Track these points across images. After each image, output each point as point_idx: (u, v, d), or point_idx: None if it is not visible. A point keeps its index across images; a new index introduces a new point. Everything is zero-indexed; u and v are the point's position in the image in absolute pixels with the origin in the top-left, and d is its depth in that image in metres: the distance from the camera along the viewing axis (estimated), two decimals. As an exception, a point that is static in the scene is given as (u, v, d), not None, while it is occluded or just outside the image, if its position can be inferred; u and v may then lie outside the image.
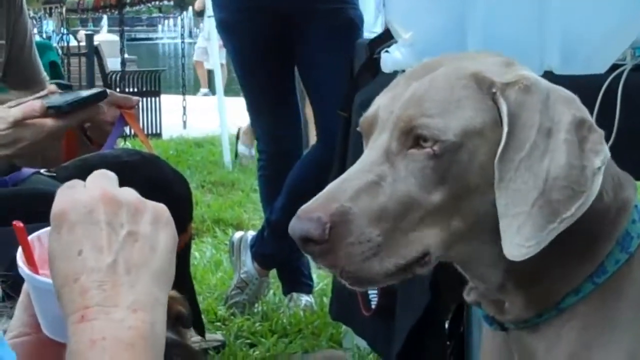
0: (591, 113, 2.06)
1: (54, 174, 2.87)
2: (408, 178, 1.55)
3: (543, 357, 1.66)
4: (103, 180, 1.27)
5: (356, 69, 3.03)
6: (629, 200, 1.66)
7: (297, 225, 1.51)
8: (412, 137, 1.56)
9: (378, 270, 1.53)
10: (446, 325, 2.40)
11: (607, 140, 2.02)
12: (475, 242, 1.59)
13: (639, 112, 2.13)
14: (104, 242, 1.18)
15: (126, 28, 13.50)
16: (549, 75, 2.24)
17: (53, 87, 3.22)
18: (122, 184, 1.30)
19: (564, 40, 2.25)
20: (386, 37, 2.62)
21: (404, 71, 2.24)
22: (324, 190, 1.55)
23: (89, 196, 1.21)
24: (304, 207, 1.53)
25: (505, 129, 1.53)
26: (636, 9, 2.28)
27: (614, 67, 2.22)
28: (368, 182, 1.55)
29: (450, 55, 1.75)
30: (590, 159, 1.52)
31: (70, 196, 1.22)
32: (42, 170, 2.72)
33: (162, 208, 1.27)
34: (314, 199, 1.54)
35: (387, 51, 2.34)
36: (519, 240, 1.49)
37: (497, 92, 1.56)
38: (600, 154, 1.53)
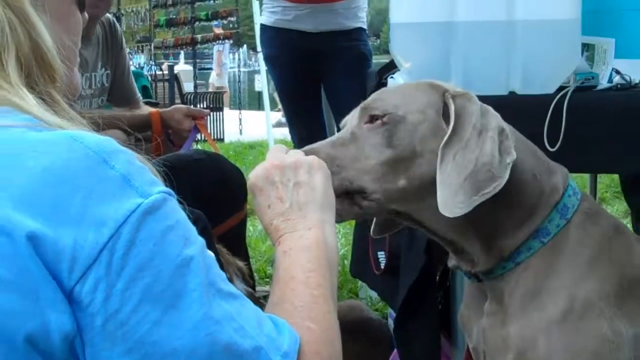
0: (543, 124, 2.08)
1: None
2: (363, 141, 1.61)
3: (507, 298, 1.68)
4: (274, 153, 1.45)
5: (369, 91, 3.02)
6: (558, 182, 1.69)
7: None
8: (367, 115, 1.63)
9: (337, 184, 1.54)
10: (436, 280, 2.39)
11: (554, 143, 2.04)
12: (427, 202, 1.61)
13: (579, 123, 2.13)
14: (281, 194, 1.34)
15: (197, 60, 13.55)
16: (513, 94, 2.24)
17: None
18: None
19: (524, 68, 2.24)
20: (391, 66, 2.61)
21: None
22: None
23: (264, 168, 1.38)
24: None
25: (452, 123, 1.58)
26: (577, 46, 2.28)
27: (561, 88, 2.21)
28: (332, 141, 1.65)
29: None
30: (504, 156, 1.56)
31: (254, 172, 1.40)
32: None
33: (313, 159, 1.42)
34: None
35: (392, 77, 2.32)
36: (454, 203, 1.54)
37: (449, 96, 1.61)
38: (511, 155, 1.57)
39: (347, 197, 1.60)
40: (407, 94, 1.67)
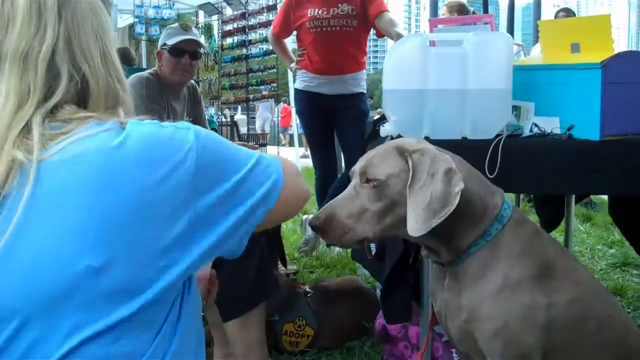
0: (485, 159, 2.07)
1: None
2: (363, 197, 1.64)
3: (462, 278, 1.69)
4: None
5: (366, 134, 3.02)
6: (498, 200, 1.70)
7: (311, 220, 1.63)
8: (364, 178, 1.65)
9: (348, 240, 1.62)
10: (409, 264, 2.38)
11: (492, 172, 2.03)
12: (402, 228, 1.62)
13: (509, 159, 2.12)
14: None
15: (250, 112, 13.66)
16: (465, 139, 2.24)
17: None
18: None
19: (473, 121, 2.23)
20: (382, 118, 2.61)
21: (391, 136, 2.24)
22: (325, 205, 1.66)
23: None
24: (316, 213, 1.67)
25: (411, 173, 1.59)
26: (509, 107, 2.27)
27: (498, 135, 2.20)
28: (344, 199, 1.65)
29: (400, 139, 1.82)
30: (453, 188, 1.57)
31: None
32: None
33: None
34: (320, 209, 1.66)
35: (383, 126, 2.32)
36: (417, 226, 1.56)
37: (407, 155, 1.63)
38: (458, 186, 1.58)
39: (357, 242, 1.65)
40: (386, 160, 1.67)
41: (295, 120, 9.38)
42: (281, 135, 17.22)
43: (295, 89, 4.59)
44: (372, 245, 2.50)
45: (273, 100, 12.15)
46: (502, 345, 1.61)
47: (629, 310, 3.45)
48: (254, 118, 18.71)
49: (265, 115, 17.67)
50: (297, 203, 1.19)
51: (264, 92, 9.83)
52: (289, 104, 11.66)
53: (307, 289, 3.15)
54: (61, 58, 1.01)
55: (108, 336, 0.95)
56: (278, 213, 1.13)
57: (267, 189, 1.09)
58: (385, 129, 2.28)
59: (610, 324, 1.67)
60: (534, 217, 4.31)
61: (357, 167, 1.72)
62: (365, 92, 4.43)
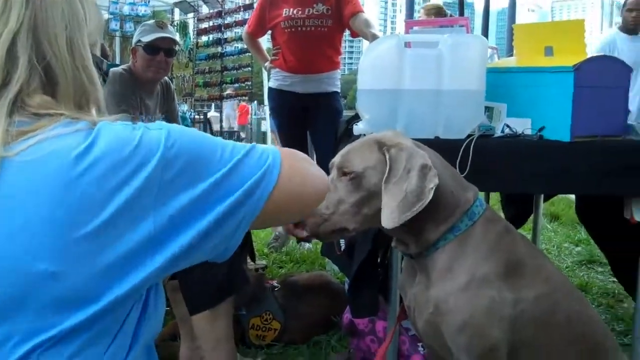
0: (456, 158, 2.08)
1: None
2: (340, 190, 1.64)
3: (430, 271, 1.69)
4: None
5: (339, 133, 3.02)
6: (469, 196, 1.70)
7: None
8: (341, 172, 1.65)
9: (325, 230, 1.62)
10: (378, 261, 2.38)
11: (463, 171, 2.05)
12: (378, 220, 1.62)
13: (480, 158, 2.14)
14: None
15: (223, 110, 13.59)
16: (437, 138, 2.24)
17: None
18: None
19: (446, 121, 2.24)
20: (356, 117, 2.61)
21: (364, 135, 2.24)
22: None
23: None
24: None
25: (388, 167, 1.60)
26: (481, 108, 2.28)
27: (469, 135, 2.22)
28: None
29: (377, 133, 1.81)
30: (428, 183, 1.58)
31: None
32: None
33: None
34: None
35: (356, 124, 2.32)
36: (391, 219, 1.57)
37: (385, 148, 1.63)
38: (433, 182, 1.59)
39: (334, 232, 1.64)
40: (363, 153, 1.68)
41: (268, 117, 9.35)
42: (241, 133, 17.30)
43: (269, 88, 4.57)
44: (342, 241, 2.50)
45: (246, 98, 12.09)
46: (467, 339, 1.61)
47: (594, 306, 3.49)
48: (227, 116, 18.57)
49: (230, 113, 17.53)
50: (302, 196, 1.07)
51: (229, 91, 9.80)
52: (263, 103, 11.62)
53: (275, 284, 3.14)
54: (22, 44, 0.96)
55: (60, 344, 0.90)
56: (282, 210, 1.04)
57: (252, 185, 0.99)
58: (358, 128, 2.28)
59: (577, 319, 1.68)
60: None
61: (335, 160, 1.71)
62: (339, 91, 4.43)
